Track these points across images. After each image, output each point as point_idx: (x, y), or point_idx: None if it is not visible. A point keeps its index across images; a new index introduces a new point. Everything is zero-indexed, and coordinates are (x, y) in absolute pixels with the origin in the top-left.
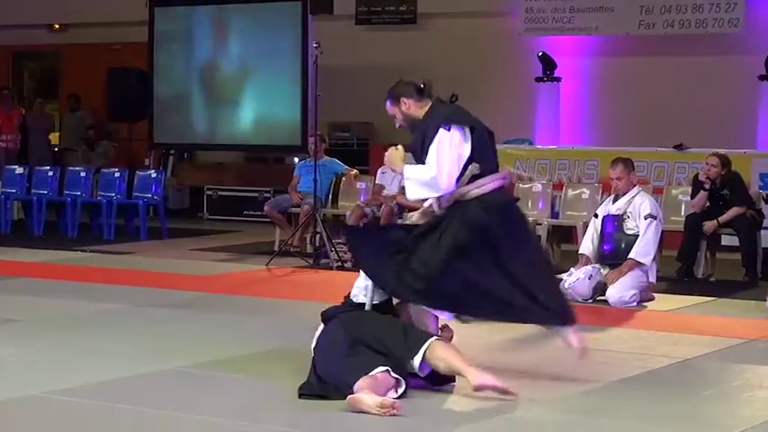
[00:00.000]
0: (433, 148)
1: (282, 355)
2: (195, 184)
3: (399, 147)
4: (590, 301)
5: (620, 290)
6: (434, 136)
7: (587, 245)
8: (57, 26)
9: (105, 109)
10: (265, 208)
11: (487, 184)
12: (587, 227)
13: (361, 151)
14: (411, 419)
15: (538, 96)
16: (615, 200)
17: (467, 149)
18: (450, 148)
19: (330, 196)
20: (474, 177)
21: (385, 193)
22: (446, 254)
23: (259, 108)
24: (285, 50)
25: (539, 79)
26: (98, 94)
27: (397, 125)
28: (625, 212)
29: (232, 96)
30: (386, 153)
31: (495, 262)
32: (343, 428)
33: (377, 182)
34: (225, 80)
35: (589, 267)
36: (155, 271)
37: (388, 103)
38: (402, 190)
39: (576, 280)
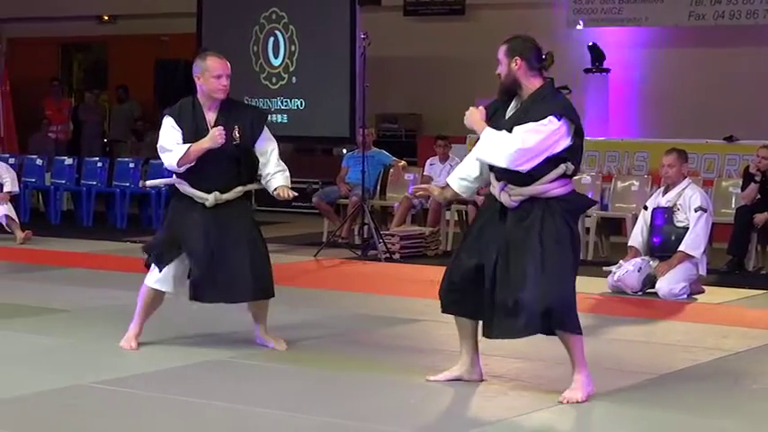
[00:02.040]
0: (532, 125)
1: (328, 346)
2: None
3: (480, 107)
4: (639, 293)
5: (669, 282)
6: (541, 118)
7: (637, 237)
8: (105, 18)
9: (153, 100)
10: (314, 199)
11: (565, 186)
12: (637, 219)
13: (409, 142)
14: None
15: (587, 88)
16: (665, 192)
17: (562, 146)
18: (550, 135)
19: (378, 187)
20: (559, 177)
21: (433, 184)
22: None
23: (307, 99)
24: (333, 42)
25: (587, 71)
26: (146, 86)
27: (497, 72)
28: (675, 205)
29: (280, 88)
30: (466, 113)
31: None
32: (381, 419)
33: (425, 173)
34: (273, 71)
35: (639, 260)
36: None
37: (502, 50)
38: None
39: (625, 272)
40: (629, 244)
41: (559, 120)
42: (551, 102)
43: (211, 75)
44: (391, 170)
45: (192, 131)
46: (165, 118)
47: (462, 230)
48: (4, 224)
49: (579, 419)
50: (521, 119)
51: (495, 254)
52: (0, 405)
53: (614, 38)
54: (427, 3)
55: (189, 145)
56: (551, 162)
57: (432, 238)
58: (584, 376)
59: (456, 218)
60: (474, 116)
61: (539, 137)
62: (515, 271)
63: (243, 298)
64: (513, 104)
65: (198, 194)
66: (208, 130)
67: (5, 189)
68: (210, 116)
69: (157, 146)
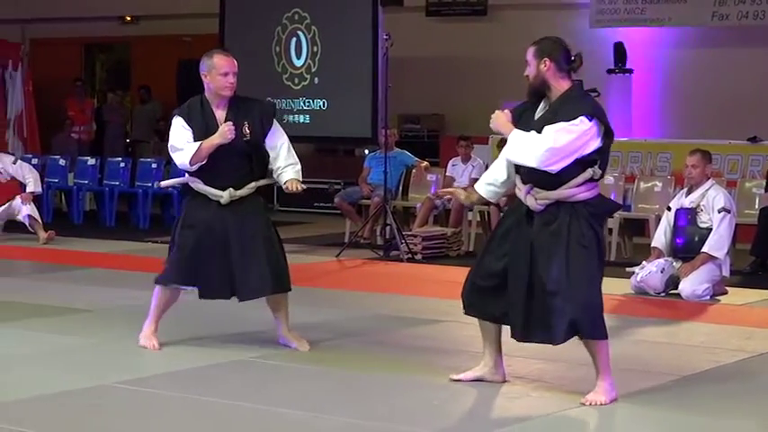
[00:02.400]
0: (564, 125)
1: (351, 346)
2: None
3: (506, 110)
4: (662, 294)
5: (693, 283)
6: (571, 118)
7: (660, 238)
8: (128, 18)
9: (176, 100)
10: (336, 200)
11: (592, 190)
12: (660, 220)
13: (432, 143)
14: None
15: (610, 88)
16: (688, 193)
17: (592, 147)
18: (581, 135)
19: (400, 188)
20: (586, 181)
21: (455, 185)
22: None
23: (329, 100)
24: (355, 42)
25: (610, 71)
26: (169, 86)
27: (525, 74)
28: (698, 206)
29: (302, 88)
30: (491, 116)
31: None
32: (404, 419)
33: (447, 174)
34: (295, 72)
35: (662, 260)
36: None
37: (531, 52)
38: (473, 182)
39: (648, 273)
40: (651, 245)
41: (590, 120)
42: (582, 102)
43: (218, 72)
44: (413, 171)
45: (203, 130)
46: (174, 118)
47: (484, 231)
48: (28, 224)
49: (602, 421)
50: (550, 120)
51: (522, 258)
52: (24, 405)
53: (637, 38)
54: (449, 3)
55: (200, 142)
56: (579, 165)
57: (454, 238)
58: (608, 383)
59: (478, 218)
60: (500, 119)
61: (570, 137)
62: (544, 276)
63: (261, 293)
64: (541, 106)
65: (212, 192)
66: (217, 128)
67: (28, 189)
68: (220, 114)
69: (168, 146)
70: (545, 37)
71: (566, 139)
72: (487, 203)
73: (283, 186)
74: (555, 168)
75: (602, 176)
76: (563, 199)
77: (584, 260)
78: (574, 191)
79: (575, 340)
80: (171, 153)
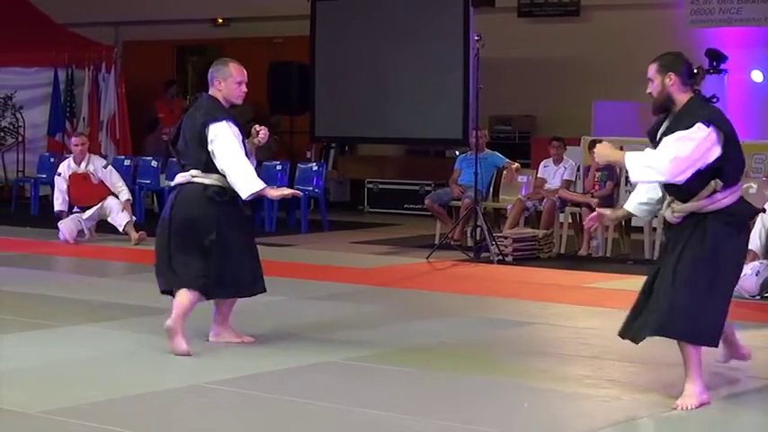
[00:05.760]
0: (681, 133)
1: (442, 348)
2: (356, 177)
3: (603, 141)
4: (757, 297)
5: None
6: (689, 127)
7: (755, 240)
8: (219, 20)
9: (267, 102)
10: (426, 201)
11: (724, 199)
12: (755, 222)
13: (523, 144)
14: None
15: (704, 89)
16: None
17: (714, 154)
18: (699, 143)
19: (491, 190)
20: (713, 193)
21: (547, 186)
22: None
23: (420, 101)
24: (447, 43)
25: (705, 71)
26: (260, 88)
27: (649, 91)
28: None
29: (393, 89)
30: (594, 151)
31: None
32: (495, 423)
33: (538, 175)
34: (386, 73)
35: (756, 263)
36: (315, 263)
37: (654, 68)
38: (565, 183)
39: (743, 276)
40: (748, 247)
41: (708, 127)
42: (700, 110)
43: (234, 81)
44: (504, 172)
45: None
46: (227, 122)
47: (576, 233)
48: (122, 230)
49: (694, 425)
50: (672, 130)
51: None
52: (115, 404)
53: (732, 38)
54: (541, 4)
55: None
56: (704, 177)
57: (545, 240)
58: (697, 386)
59: (570, 220)
60: (605, 149)
61: (691, 144)
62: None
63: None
64: (666, 122)
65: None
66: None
67: (123, 198)
68: None
69: (230, 151)
70: (666, 53)
71: (688, 147)
72: (579, 204)
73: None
74: (681, 179)
75: (734, 183)
76: (696, 210)
77: (691, 267)
78: (706, 201)
79: (669, 344)
80: (236, 159)
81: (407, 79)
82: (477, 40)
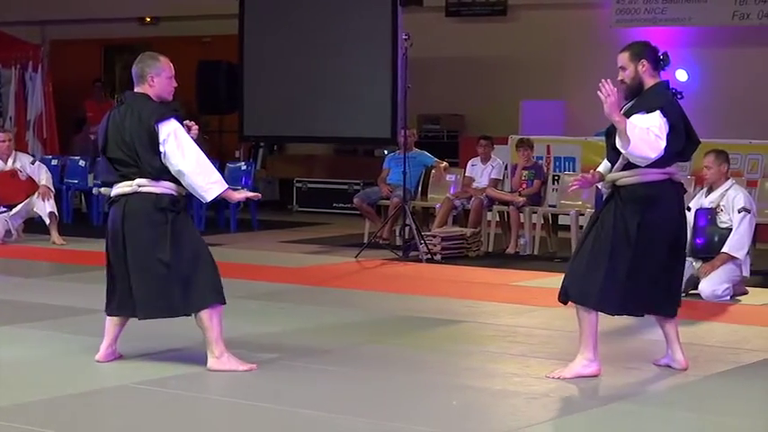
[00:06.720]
0: (655, 118)
1: (370, 347)
2: (285, 176)
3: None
4: (682, 294)
5: (712, 283)
6: (648, 110)
7: None
8: (148, 19)
9: (196, 102)
10: (355, 200)
11: (646, 176)
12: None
13: (451, 143)
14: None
15: None
16: (708, 193)
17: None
18: (661, 129)
19: (419, 188)
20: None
21: (475, 185)
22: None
23: (349, 100)
24: (375, 42)
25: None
26: (188, 87)
27: (620, 78)
28: (718, 206)
29: (322, 89)
30: (609, 101)
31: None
32: (421, 421)
33: (466, 174)
34: (314, 72)
35: None
36: (244, 263)
37: (626, 56)
38: (493, 182)
39: None
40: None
41: (663, 116)
42: (657, 97)
43: (167, 76)
44: (433, 171)
45: None
46: (176, 120)
47: (503, 231)
48: (48, 223)
49: (615, 421)
50: (635, 110)
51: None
52: (39, 405)
53: (657, 38)
54: (469, 3)
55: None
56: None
57: (473, 239)
58: (585, 356)
59: (497, 219)
60: (614, 108)
61: (659, 130)
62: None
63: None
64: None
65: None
66: None
67: (42, 182)
68: None
69: (193, 151)
70: (633, 42)
71: (659, 131)
72: (506, 203)
73: None
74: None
75: (662, 166)
76: (616, 182)
77: (592, 237)
78: (624, 173)
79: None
80: (195, 159)
81: (336, 78)
82: (406, 40)
